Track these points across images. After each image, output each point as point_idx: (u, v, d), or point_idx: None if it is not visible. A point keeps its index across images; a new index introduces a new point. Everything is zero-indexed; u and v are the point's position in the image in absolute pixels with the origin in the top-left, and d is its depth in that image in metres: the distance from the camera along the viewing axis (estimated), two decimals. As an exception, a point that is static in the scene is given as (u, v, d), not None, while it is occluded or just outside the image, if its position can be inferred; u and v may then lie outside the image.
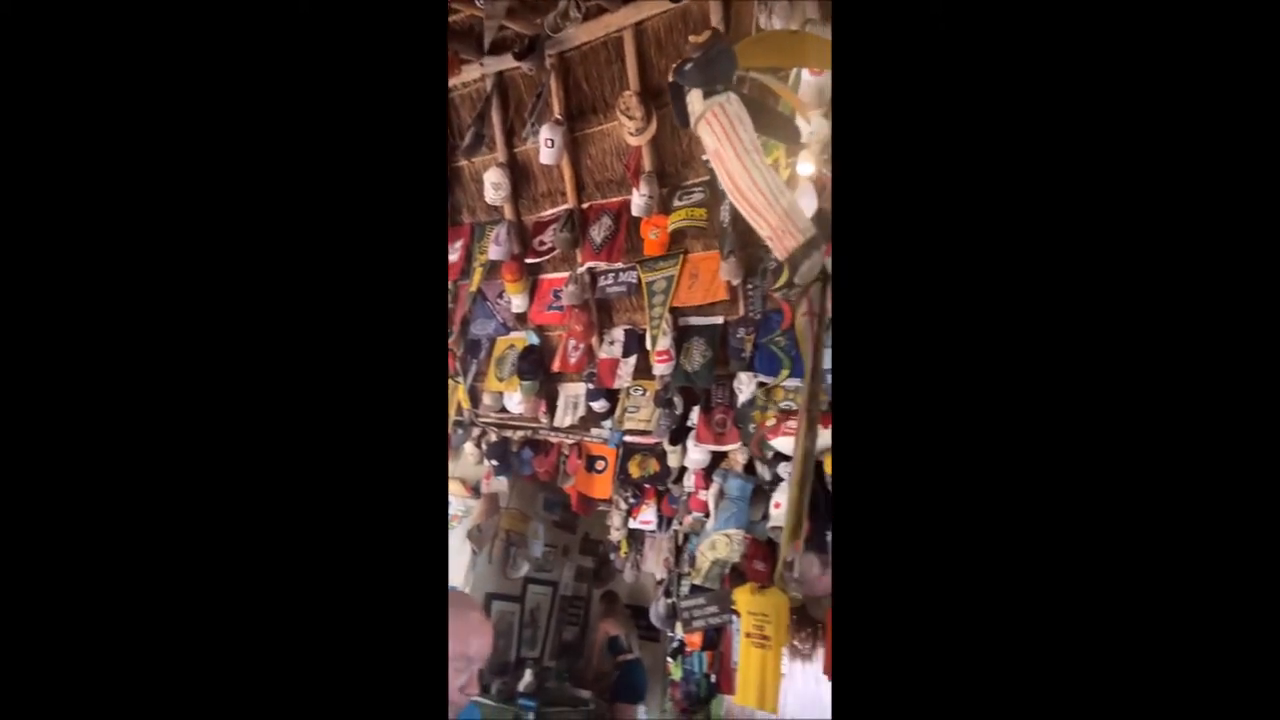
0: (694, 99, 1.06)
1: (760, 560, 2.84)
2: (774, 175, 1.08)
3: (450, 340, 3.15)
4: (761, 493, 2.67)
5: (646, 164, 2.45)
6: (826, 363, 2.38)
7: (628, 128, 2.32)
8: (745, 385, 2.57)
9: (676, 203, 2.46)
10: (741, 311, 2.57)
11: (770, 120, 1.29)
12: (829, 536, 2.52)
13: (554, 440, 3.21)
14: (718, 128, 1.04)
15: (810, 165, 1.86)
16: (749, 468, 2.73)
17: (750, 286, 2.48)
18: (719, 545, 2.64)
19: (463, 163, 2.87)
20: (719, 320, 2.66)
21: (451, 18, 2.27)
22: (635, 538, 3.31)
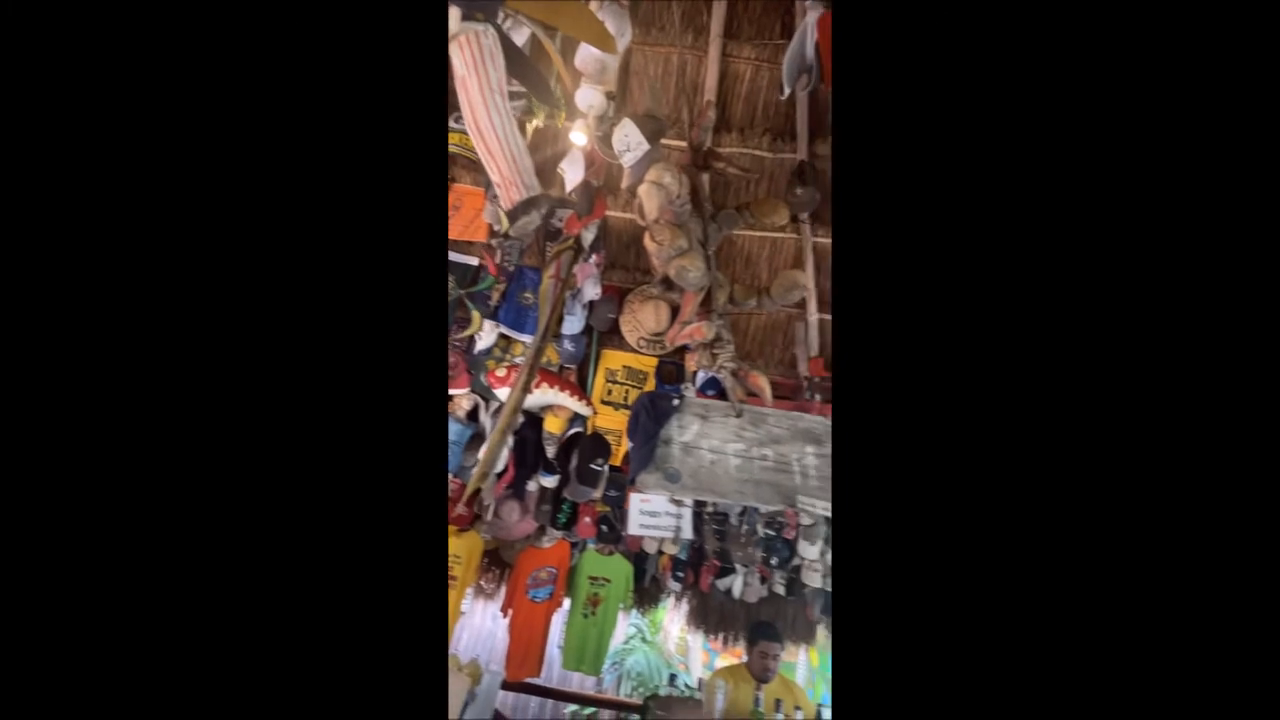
0: (452, 16, 1.00)
1: (464, 504, 2.89)
2: (513, 124, 1.09)
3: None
4: (479, 439, 2.71)
5: (427, 69, 2.22)
6: (568, 328, 2.55)
7: (412, 19, 2.05)
8: (486, 333, 2.56)
9: (452, 124, 2.29)
10: (498, 259, 2.54)
11: (530, 75, 1.29)
12: (529, 485, 2.71)
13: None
14: (468, 56, 1.00)
15: (583, 136, 1.93)
16: (472, 414, 2.75)
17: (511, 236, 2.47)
18: (422, 485, 2.59)
19: None
20: (474, 261, 2.58)
21: None
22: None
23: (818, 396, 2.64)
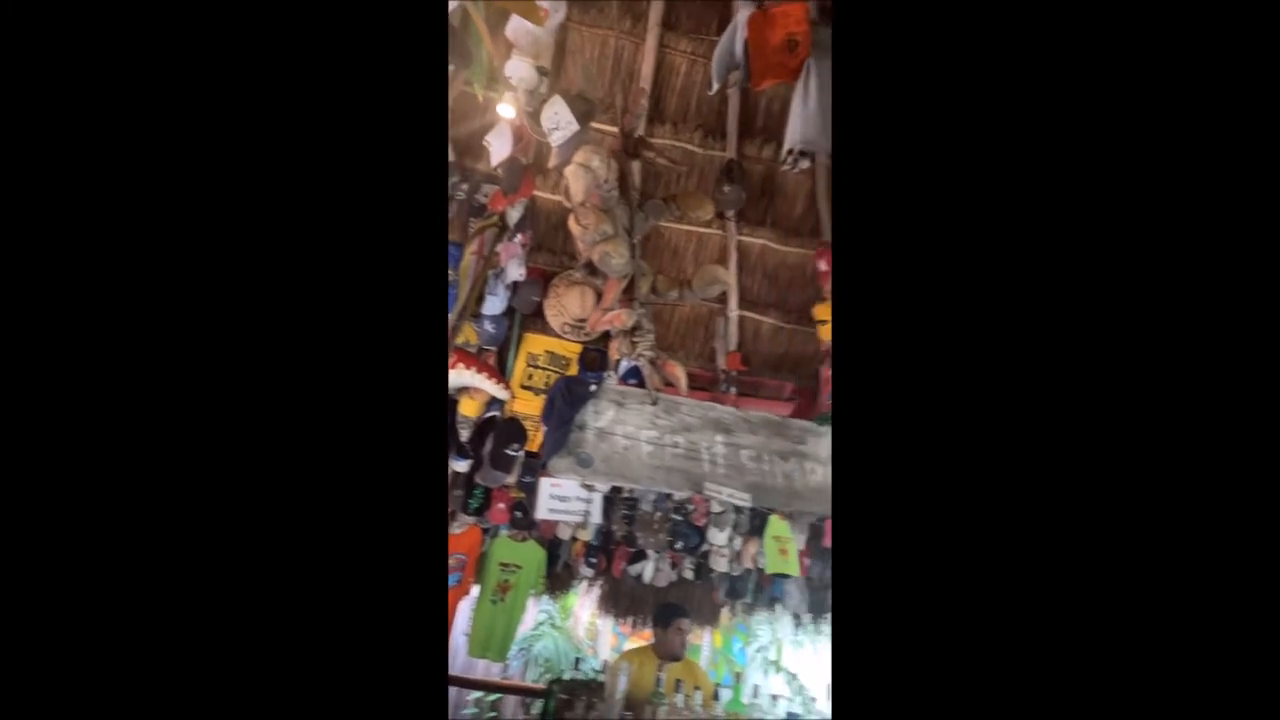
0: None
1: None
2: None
3: None
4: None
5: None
6: (489, 309, 2.47)
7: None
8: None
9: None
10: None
11: (451, 39, 1.23)
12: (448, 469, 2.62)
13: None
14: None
15: (512, 110, 1.88)
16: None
17: (432, 208, 2.35)
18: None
19: None
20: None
21: None
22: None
23: (733, 389, 2.74)
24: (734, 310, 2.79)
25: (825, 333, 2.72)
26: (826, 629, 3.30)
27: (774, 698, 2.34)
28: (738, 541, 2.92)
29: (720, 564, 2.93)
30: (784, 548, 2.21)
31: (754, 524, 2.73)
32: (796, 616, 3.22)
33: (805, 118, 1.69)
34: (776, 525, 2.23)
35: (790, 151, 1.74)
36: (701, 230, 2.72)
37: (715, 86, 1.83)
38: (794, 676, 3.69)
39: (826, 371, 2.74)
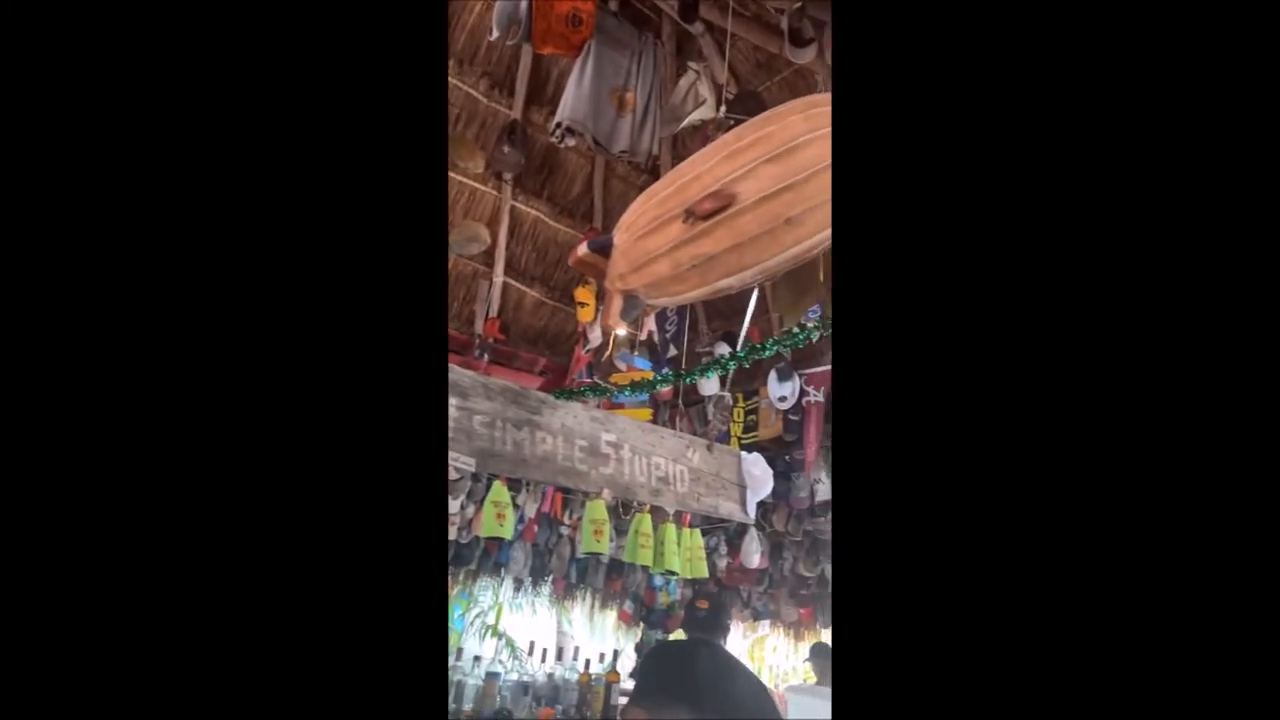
0: None
1: None
2: None
3: None
4: None
5: None
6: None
7: None
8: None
9: None
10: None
11: None
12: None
13: None
14: None
15: None
16: None
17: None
18: None
19: None
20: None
21: None
22: None
23: (486, 356, 2.69)
24: (499, 276, 2.74)
25: (584, 314, 2.86)
26: (546, 590, 3.49)
27: (476, 659, 2.38)
28: (470, 509, 2.89)
29: (449, 532, 2.87)
30: (501, 513, 2.25)
31: (488, 491, 2.73)
32: (519, 580, 3.33)
33: (578, 97, 1.73)
34: (498, 491, 2.25)
35: (559, 125, 1.76)
36: (476, 185, 2.59)
37: (495, 34, 1.75)
38: (504, 636, 3.83)
39: (579, 350, 2.89)
